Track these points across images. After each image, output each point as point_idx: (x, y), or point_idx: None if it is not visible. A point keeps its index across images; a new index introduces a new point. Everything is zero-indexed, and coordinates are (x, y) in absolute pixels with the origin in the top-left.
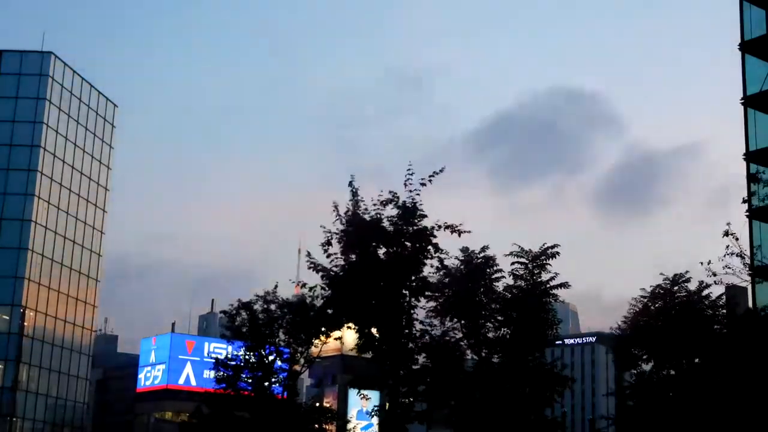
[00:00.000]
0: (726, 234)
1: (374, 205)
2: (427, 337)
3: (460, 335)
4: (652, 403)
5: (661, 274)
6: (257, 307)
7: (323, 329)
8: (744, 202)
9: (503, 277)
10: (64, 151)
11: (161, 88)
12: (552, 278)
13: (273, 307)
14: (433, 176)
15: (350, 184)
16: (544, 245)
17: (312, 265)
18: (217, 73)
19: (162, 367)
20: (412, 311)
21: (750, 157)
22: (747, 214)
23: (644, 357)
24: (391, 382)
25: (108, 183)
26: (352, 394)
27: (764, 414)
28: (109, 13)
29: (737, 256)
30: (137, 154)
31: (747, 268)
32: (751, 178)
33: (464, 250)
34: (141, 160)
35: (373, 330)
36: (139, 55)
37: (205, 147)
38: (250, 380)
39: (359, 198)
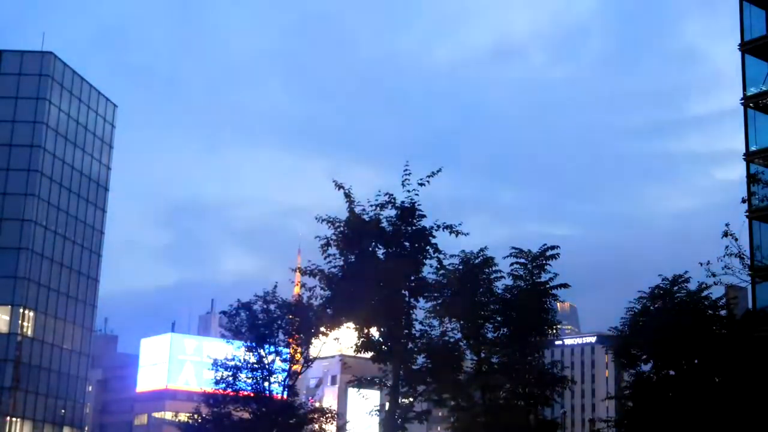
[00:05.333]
0: (725, 234)
1: (371, 206)
2: (426, 339)
3: (459, 335)
4: (651, 404)
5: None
6: (257, 307)
7: (322, 329)
8: (744, 202)
9: (503, 277)
10: (64, 151)
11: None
12: (551, 279)
13: (272, 307)
14: (431, 176)
15: (340, 186)
16: (543, 246)
17: (308, 272)
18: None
19: (162, 367)
20: (411, 311)
21: (750, 157)
22: (747, 214)
23: (644, 357)
24: (391, 382)
25: (108, 183)
26: (352, 394)
27: (764, 414)
28: (109, 12)
29: (737, 256)
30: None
31: (747, 269)
32: (751, 178)
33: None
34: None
35: (373, 330)
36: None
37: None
38: (249, 380)
39: (353, 199)
